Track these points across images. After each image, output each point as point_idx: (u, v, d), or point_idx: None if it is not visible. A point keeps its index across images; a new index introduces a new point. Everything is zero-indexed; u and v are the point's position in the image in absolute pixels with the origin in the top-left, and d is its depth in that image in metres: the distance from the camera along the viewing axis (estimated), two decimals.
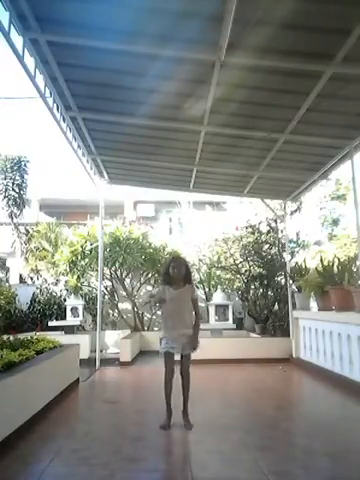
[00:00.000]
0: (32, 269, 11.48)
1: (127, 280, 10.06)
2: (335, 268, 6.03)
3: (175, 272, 3.79)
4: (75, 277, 9.24)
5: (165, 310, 3.87)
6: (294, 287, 7.63)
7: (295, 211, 10.17)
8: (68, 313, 8.90)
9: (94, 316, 9.45)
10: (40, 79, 4.22)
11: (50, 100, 4.64)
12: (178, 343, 3.70)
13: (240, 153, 5.92)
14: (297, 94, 4.26)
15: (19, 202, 13.01)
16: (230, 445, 3.28)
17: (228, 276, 10.29)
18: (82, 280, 9.51)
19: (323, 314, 6.25)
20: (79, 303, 9.03)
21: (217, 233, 10.48)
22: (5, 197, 12.89)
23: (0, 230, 14.29)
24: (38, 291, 10.18)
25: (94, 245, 8.81)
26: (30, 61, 3.88)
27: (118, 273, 9.80)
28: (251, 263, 9.74)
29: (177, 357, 3.79)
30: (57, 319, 9.29)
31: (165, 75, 4.13)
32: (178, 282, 3.82)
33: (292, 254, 9.11)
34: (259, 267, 9.58)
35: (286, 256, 8.39)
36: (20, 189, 13.04)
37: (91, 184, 7.46)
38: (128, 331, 9.25)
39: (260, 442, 3.34)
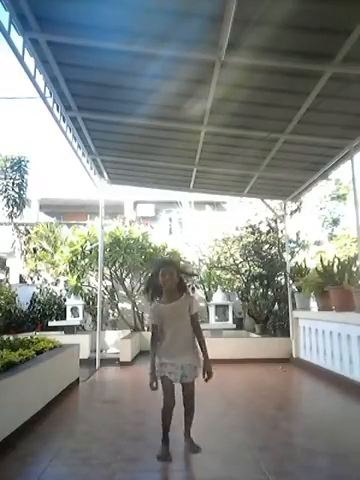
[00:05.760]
0: (32, 269, 11.48)
1: (127, 280, 10.05)
2: (335, 268, 6.03)
3: (167, 280, 2.98)
4: (75, 277, 9.23)
5: (159, 332, 3.06)
6: (294, 287, 7.63)
7: (295, 211, 10.17)
8: (68, 313, 8.91)
9: (94, 316, 9.45)
10: (40, 79, 4.22)
11: (50, 100, 4.64)
12: (177, 370, 2.97)
13: (240, 153, 5.92)
14: (297, 94, 4.26)
15: (19, 202, 13.00)
16: (230, 445, 3.28)
17: (228, 276, 10.29)
18: (82, 280, 9.51)
19: (323, 314, 6.25)
20: (79, 303, 9.03)
21: (217, 233, 10.48)
22: (5, 197, 12.89)
23: (0, 230, 14.29)
24: (38, 291, 10.19)
25: (94, 245, 8.80)
26: (30, 61, 3.88)
27: (118, 273, 9.79)
28: (251, 263, 9.74)
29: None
30: (57, 319, 9.30)
31: (165, 75, 4.13)
32: (171, 293, 3.04)
33: (292, 254, 9.12)
34: (259, 267, 9.58)
35: (286, 256, 8.39)
36: (20, 189, 13.04)
37: (91, 184, 7.46)
38: (128, 331, 9.25)
39: (260, 442, 3.34)
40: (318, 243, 13.37)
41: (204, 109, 4.62)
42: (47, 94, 4.45)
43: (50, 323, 8.76)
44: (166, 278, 2.98)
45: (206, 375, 3.01)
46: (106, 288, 10.04)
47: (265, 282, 9.42)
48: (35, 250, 11.67)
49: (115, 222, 10.06)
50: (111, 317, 10.36)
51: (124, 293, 10.05)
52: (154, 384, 2.95)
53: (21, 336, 5.35)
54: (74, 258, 9.15)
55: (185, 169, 6.80)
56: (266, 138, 5.21)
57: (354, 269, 5.89)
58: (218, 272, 10.42)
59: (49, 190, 18.40)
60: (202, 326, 3.25)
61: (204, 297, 10.20)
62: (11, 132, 17.90)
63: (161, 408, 3.04)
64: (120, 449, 3.17)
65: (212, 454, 3.03)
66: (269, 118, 4.89)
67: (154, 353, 3.04)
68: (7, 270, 13.36)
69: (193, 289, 10.26)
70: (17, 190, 12.95)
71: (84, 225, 10.26)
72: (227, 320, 8.46)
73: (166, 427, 3.08)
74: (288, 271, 7.87)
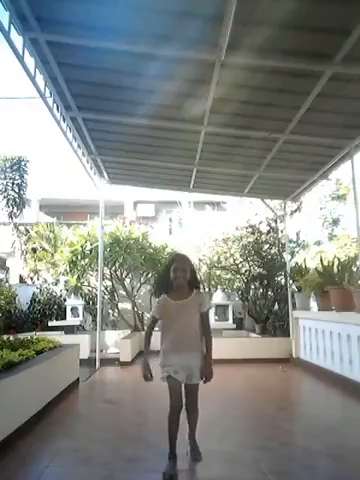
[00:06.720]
0: (32, 269, 11.48)
1: (127, 280, 10.05)
2: (335, 268, 6.03)
3: (178, 276, 2.84)
4: (75, 277, 9.23)
5: (164, 329, 2.91)
6: (294, 287, 7.63)
7: (295, 211, 10.17)
8: (68, 313, 8.91)
9: (94, 316, 9.45)
10: (40, 79, 4.22)
11: (50, 100, 4.65)
12: (183, 371, 2.81)
13: (240, 153, 5.92)
14: (297, 94, 4.26)
15: (19, 202, 13.02)
16: (230, 445, 3.28)
17: (228, 276, 10.29)
18: (82, 280, 9.51)
19: (323, 314, 6.25)
20: (79, 303, 9.04)
21: (217, 233, 10.48)
22: (5, 197, 12.90)
23: (0, 230, 14.30)
24: (38, 291, 10.19)
25: (94, 245, 8.80)
26: (30, 61, 3.88)
27: (118, 273, 9.79)
28: (251, 263, 9.74)
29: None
30: (57, 319, 9.30)
31: (165, 75, 4.13)
32: (181, 290, 2.89)
33: (292, 254, 9.11)
34: (259, 267, 9.57)
35: (286, 256, 8.39)
36: (20, 189, 13.06)
37: (91, 184, 7.46)
38: (128, 331, 9.24)
39: (260, 442, 3.34)
40: (318, 243, 13.35)
41: (204, 109, 4.62)
42: (47, 94, 4.46)
43: (50, 323, 8.77)
44: (178, 274, 2.83)
45: (205, 378, 2.83)
46: (106, 288, 10.04)
47: (265, 282, 9.41)
48: (35, 250, 11.68)
49: (115, 222, 10.06)
50: (111, 317, 10.36)
51: (124, 293, 10.05)
52: (148, 375, 2.82)
53: (21, 336, 5.34)
54: (74, 258, 9.14)
55: (185, 169, 6.80)
56: (266, 138, 5.21)
57: (354, 269, 5.88)
58: (218, 272, 10.42)
59: (49, 190, 18.41)
60: None
61: None
62: (11, 132, 17.92)
63: (169, 412, 2.81)
64: (120, 449, 3.18)
65: (212, 454, 3.03)
66: (269, 118, 4.89)
67: (148, 344, 2.91)
68: (7, 270, 13.39)
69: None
70: (17, 190, 12.97)
71: (84, 225, 10.26)
72: (227, 320, 8.45)
73: (173, 437, 2.82)
74: (288, 271, 7.87)
